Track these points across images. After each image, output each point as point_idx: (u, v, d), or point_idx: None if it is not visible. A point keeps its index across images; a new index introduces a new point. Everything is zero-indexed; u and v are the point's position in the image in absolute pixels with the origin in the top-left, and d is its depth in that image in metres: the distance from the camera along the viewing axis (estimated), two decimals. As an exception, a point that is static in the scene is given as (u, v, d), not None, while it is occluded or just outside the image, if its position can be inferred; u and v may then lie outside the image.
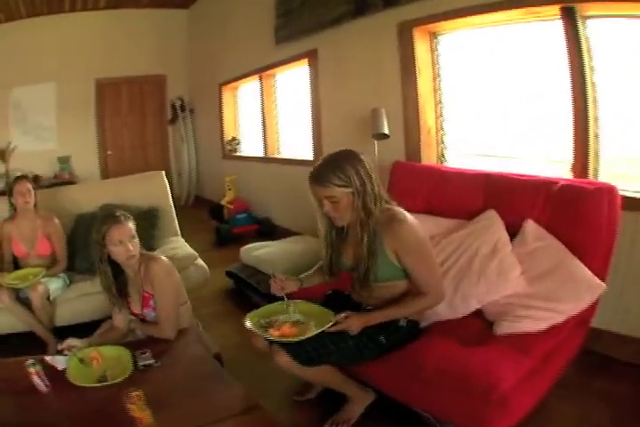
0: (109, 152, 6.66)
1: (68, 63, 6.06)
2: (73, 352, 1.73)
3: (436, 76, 2.85)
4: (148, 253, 1.94)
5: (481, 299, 1.78)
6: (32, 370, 1.57)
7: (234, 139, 5.64)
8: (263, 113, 4.80)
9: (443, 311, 1.79)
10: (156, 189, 3.43)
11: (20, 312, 2.49)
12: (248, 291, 3.28)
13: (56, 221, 2.75)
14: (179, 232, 3.43)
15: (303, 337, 1.50)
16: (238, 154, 5.63)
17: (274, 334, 1.55)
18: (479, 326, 1.76)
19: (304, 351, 1.55)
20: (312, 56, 3.74)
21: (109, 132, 6.62)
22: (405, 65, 2.86)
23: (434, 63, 2.84)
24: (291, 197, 4.21)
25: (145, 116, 6.82)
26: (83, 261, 2.89)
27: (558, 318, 1.64)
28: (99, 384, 1.54)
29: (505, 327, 1.66)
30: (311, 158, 3.90)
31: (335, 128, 3.62)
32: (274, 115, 4.78)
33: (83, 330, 2.08)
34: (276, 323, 1.63)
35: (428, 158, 2.94)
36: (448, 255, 1.96)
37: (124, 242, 1.76)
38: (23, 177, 2.73)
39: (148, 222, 3.14)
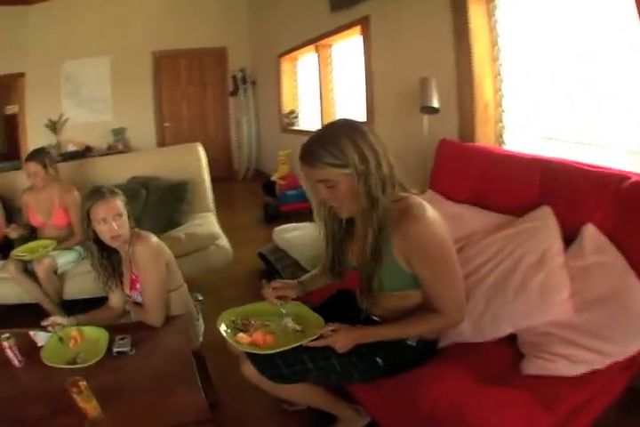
0: (167, 124, 6.92)
1: (124, 36, 6.38)
2: (55, 330, 1.79)
3: (493, 45, 2.63)
4: (140, 231, 1.92)
5: (515, 323, 1.52)
6: (5, 343, 1.64)
7: (292, 112, 5.69)
8: (320, 85, 4.78)
9: (467, 332, 1.56)
10: (190, 162, 3.51)
11: (26, 284, 2.67)
12: (276, 275, 3.24)
13: (75, 193, 2.90)
14: (211, 208, 3.48)
15: (272, 351, 1.36)
16: (296, 128, 5.64)
17: (241, 340, 1.43)
18: (507, 356, 1.52)
19: (273, 366, 1.39)
20: (365, 23, 3.73)
21: (167, 104, 6.90)
22: (458, 29, 2.67)
23: (490, 29, 2.62)
24: None
25: (205, 87, 6.99)
26: None
27: (600, 363, 1.36)
28: (65, 366, 1.57)
29: (535, 367, 1.42)
30: None
31: (387, 101, 3.53)
32: (330, 87, 4.74)
33: (93, 305, 2.15)
34: (253, 326, 1.51)
35: (484, 139, 2.67)
36: (485, 261, 1.70)
37: (108, 220, 1.74)
38: (31, 157, 2.88)
39: (174, 196, 3.27)
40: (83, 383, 1.33)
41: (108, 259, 1.93)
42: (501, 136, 2.70)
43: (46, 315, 2.52)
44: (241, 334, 1.45)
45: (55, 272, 2.73)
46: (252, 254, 3.52)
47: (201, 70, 6.93)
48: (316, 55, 4.82)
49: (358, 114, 4.02)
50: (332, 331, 1.35)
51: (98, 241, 1.83)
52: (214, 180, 3.58)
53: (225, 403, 1.97)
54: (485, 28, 2.61)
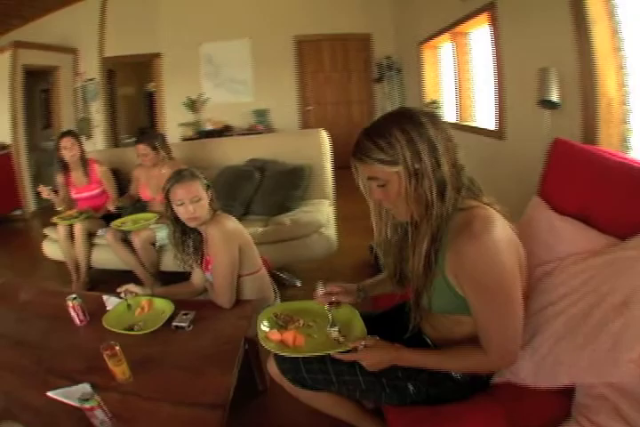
0: (310, 107, 7.27)
1: (264, 20, 6.82)
2: (127, 297, 1.97)
3: (614, 33, 2.36)
4: (219, 214, 2.02)
5: (574, 375, 1.28)
6: (70, 303, 1.87)
7: (433, 102, 5.60)
8: (457, 75, 4.68)
9: (524, 372, 1.35)
10: (311, 148, 3.58)
11: (122, 252, 3.07)
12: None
13: None
14: (329, 195, 3.53)
15: (294, 354, 1.36)
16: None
17: (271, 336, 1.44)
18: (554, 412, 1.29)
19: (296, 370, 1.40)
20: (492, 10, 3.51)
21: (311, 88, 7.24)
22: (575, 13, 2.44)
23: (609, 15, 2.36)
24: (479, 174, 3.90)
25: (350, 73, 7.19)
26: None
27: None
28: (121, 331, 1.75)
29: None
30: (494, 128, 3.66)
31: (514, 92, 3.34)
32: (468, 77, 4.61)
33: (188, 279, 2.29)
34: (293, 324, 1.52)
35: (607, 141, 2.38)
36: (568, 292, 1.35)
37: (185, 203, 1.87)
38: (141, 139, 3.26)
39: (290, 181, 3.36)
40: (117, 348, 1.46)
41: (191, 238, 2.07)
42: (626, 140, 2.38)
43: (140, 283, 2.91)
44: (273, 330, 1.46)
45: (154, 244, 3.04)
46: (365, 246, 3.48)
47: (345, 56, 7.16)
48: (452, 43, 4.75)
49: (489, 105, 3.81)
50: (366, 346, 1.27)
51: (178, 220, 1.98)
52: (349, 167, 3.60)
53: (275, 392, 1.97)
54: (604, 14, 2.37)
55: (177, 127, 7.12)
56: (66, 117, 6.88)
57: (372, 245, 3.34)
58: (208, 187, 1.99)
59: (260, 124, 6.94)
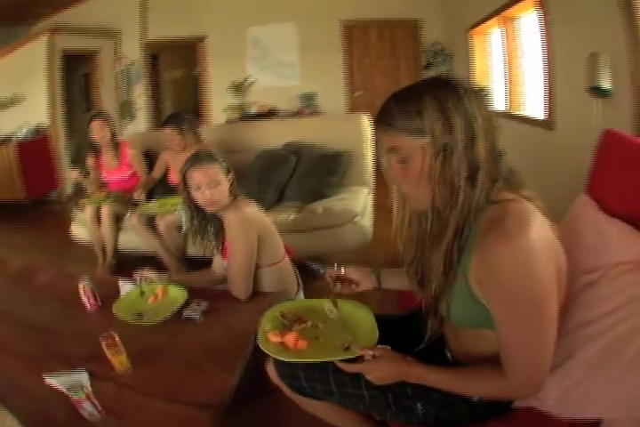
0: (358, 93, 7.18)
1: (311, 3, 6.75)
2: (141, 283, 1.96)
3: None
4: (240, 199, 1.96)
5: (603, 409, 1.14)
6: (81, 286, 1.87)
7: (483, 89, 5.41)
8: (506, 62, 4.58)
9: (550, 399, 1.21)
10: (352, 134, 3.50)
11: (147, 236, 3.12)
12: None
13: None
14: (368, 183, 3.45)
15: (291, 359, 1.27)
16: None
17: (271, 337, 1.35)
18: None
19: (294, 376, 1.32)
20: None
21: (358, 74, 7.17)
22: None
23: None
24: (525, 166, 3.85)
25: (398, 59, 7.09)
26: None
27: None
28: (128, 319, 1.74)
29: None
30: (543, 117, 3.53)
31: (563, 80, 3.21)
32: (517, 64, 4.49)
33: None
34: (299, 325, 1.43)
35: None
36: (612, 309, 1.20)
37: (202, 187, 1.83)
38: (167, 122, 3.27)
39: (326, 167, 3.30)
40: (116, 338, 1.44)
41: (211, 223, 2.02)
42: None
43: (165, 267, 3.06)
44: (275, 331, 1.38)
45: (180, 229, 3.03)
46: None
47: (393, 42, 7.08)
48: (502, 30, 4.61)
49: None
50: (374, 357, 1.15)
51: (196, 205, 1.94)
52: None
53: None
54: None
55: (222, 111, 7.19)
56: (107, 101, 7.05)
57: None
58: (228, 170, 1.93)
59: (307, 109, 6.92)
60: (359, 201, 3.13)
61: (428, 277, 1.14)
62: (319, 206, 3.02)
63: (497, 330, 1.01)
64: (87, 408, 1.24)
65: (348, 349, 1.25)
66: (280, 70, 7.11)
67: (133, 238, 3.30)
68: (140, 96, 7.28)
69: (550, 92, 3.37)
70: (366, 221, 3.06)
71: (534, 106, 4.02)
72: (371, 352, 1.15)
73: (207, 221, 2.01)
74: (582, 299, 1.20)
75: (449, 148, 0.97)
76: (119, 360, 1.43)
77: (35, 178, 5.66)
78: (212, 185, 1.83)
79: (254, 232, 1.90)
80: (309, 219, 2.94)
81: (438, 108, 0.97)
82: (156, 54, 7.85)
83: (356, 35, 7.00)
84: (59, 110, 6.02)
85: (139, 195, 3.37)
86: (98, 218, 3.32)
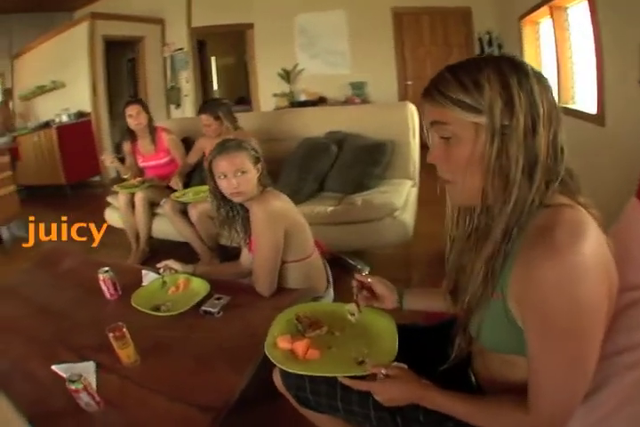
0: (409, 82, 7.08)
1: None
2: (164, 274, 1.97)
3: None
4: (268, 191, 1.92)
5: None
6: (101, 276, 1.89)
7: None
8: (556, 53, 4.46)
9: None
10: (396, 123, 3.41)
11: (179, 224, 3.18)
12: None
13: (254, 143, 3.10)
14: (412, 175, 3.36)
15: (297, 371, 1.20)
16: None
17: (280, 343, 1.29)
18: None
19: (298, 388, 1.27)
20: None
21: (410, 62, 7.12)
22: None
23: None
24: (576, 163, 3.74)
25: (450, 47, 7.01)
26: (285, 188, 3.20)
27: None
28: (145, 310, 1.74)
29: None
30: (594, 112, 3.39)
31: (615, 73, 3.07)
32: (568, 55, 4.38)
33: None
34: (315, 331, 1.36)
35: None
36: None
37: (229, 176, 1.81)
38: (204, 109, 3.30)
39: (370, 157, 3.23)
40: (124, 330, 1.43)
41: (239, 214, 1.99)
42: None
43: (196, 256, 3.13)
44: (286, 336, 1.32)
45: (212, 218, 3.02)
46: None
47: (445, 30, 7.02)
48: (551, 18, 4.47)
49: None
50: (387, 376, 1.07)
51: (223, 195, 1.91)
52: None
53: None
54: None
55: (271, 97, 7.30)
56: (153, 86, 7.27)
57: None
58: (257, 160, 1.90)
59: (357, 97, 6.92)
60: (401, 194, 3.04)
61: (464, 286, 1.02)
62: (358, 198, 2.96)
63: (529, 356, 0.89)
64: (84, 399, 1.23)
65: (361, 363, 1.19)
66: (330, 58, 7.15)
67: (167, 226, 3.34)
68: (187, 82, 7.41)
69: (600, 86, 3.23)
70: (408, 215, 2.96)
71: (586, 100, 3.89)
72: (384, 371, 1.06)
73: (235, 212, 1.98)
74: (623, 321, 1.04)
75: (508, 131, 0.86)
76: (126, 353, 1.43)
77: (75, 163, 5.88)
78: (238, 174, 1.80)
79: (281, 227, 1.85)
80: (348, 211, 2.88)
81: (501, 84, 0.86)
82: (203, 41, 7.95)
83: (407, 22, 6.99)
84: (101, 96, 6.24)
85: (175, 183, 3.41)
86: (132, 204, 3.38)
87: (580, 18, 3.89)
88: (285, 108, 6.80)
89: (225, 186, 1.83)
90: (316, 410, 1.28)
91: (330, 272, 2.18)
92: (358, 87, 7.03)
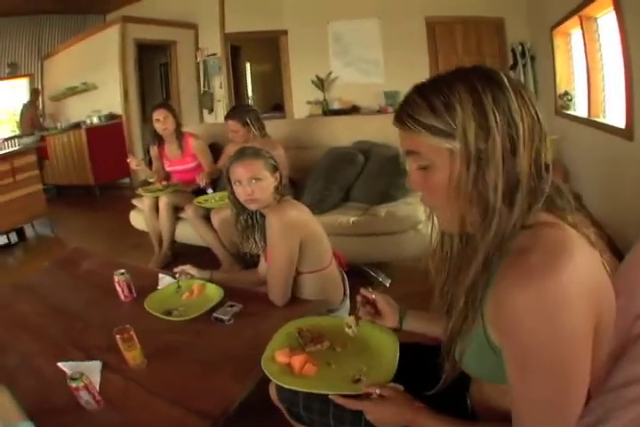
0: None
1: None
2: (180, 279, 2.03)
3: None
4: (285, 200, 1.95)
5: None
6: (116, 278, 1.95)
7: (566, 93, 5.34)
8: (587, 65, 4.44)
9: None
10: None
11: (201, 229, 3.24)
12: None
13: (280, 151, 3.20)
14: None
15: (290, 386, 1.20)
16: (568, 112, 5.25)
17: (278, 357, 1.30)
18: None
19: (292, 403, 1.29)
20: None
21: (443, 72, 7.07)
22: None
23: None
24: (604, 178, 3.84)
25: (483, 57, 7.00)
26: (310, 197, 3.24)
27: None
28: (157, 314, 1.79)
29: None
30: (622, 126, 3.31)
31: None
32: (598, 68, 4.33)
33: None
34: (315, 346, 1.38)
35: None
36: None
37: (244, 183, 1.86)
38: (231, 115, 3.38)
39: (396, 168, 3.22)
40: (131, 332, 1.48)
41: (258, 222, 2.03)
42: None
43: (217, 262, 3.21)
44: (285, 350, 1.32)
45: (234, 224, 3.11)
46: None
47: (478, 40, 7.04)
48: (580, 28, 4.45)
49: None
50: (380, 396, 1.07)
51: (241, 202, 1.96)
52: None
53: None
54: None
55: (305, 105, 7.38)
56: (186, 91, 7.43)
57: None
58: (275, 169, 1.94)
59: (391, 107, 6.91)
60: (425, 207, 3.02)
61: (450, 311, 1.00)
62: (383, 210, 2.97)
63: (510, 389, 0.86)
64: (84, 397, 1.27)
65: (358, 381, 1.20)
66: (364, 67, 7.20)
67: (191, 231, 3.40)
68: (221, 87, 7.53)
69: (629, 99, 3.18)
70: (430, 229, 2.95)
71: (615, 113, 3.82)
72: (378, 391, 1.06)
73: (254, 221, 2.03)
74: (634, 351, 0.98)
75: (485, 156, 0.81)
76: (132, 355, 1.47)
77: (104, 164, 6.05)
78: (252, 181, 1.85)
79: (296, 237, 1.88)
80: (371, 222, 2.89)
81: (474, 102, 0.81)
82: (238, 46, 8.07)
83: (441, 32, 7.03)
84: (132, 98, 6.41)
85: (202, 178, 3.46)
86: (156, 208, 3.46)
87: (609, 29, 3.83)
88: (318, 115, 6.90)
89: (240, 192, 1.87)
90: (309, 426, 1.29)
91: (347, 284, 2.19)
92: (392, 97, 7.04)
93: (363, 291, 1.34)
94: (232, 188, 1.92)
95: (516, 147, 0.81)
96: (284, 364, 1.28)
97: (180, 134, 3.61)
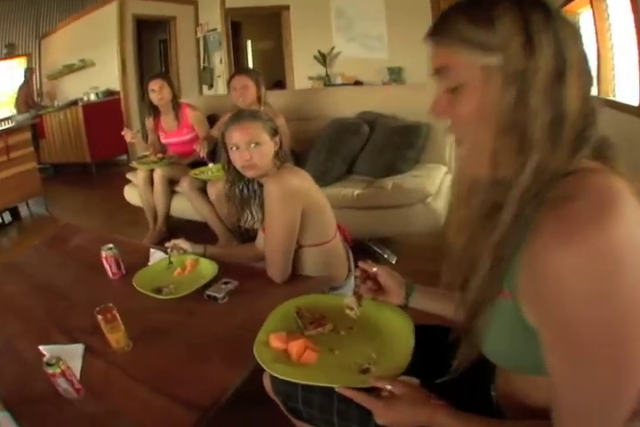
0: None
1: None
2: (171, 254, 1.87)
3: None
4: (286, 167, 1.79)
5: None
6: (104, 253, 1.80)
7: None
8: (596, 44, 4.29)
9: None
10: None
11: (197, 202, 3.10)
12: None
13: (281, 120, 3.03)
14: (448, 161, 3.18)
15: (286, 377, 1.02)
16: None
17: (274, 341, 1.13)
18: None
19: (289, 396, 1.12)
20: None
21: None
22: None
23: None
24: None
25: None
26: (312, 169, 3.08)
27: None
28: (146, 292, 1.64)
29: None
30: (635, 104, 3.20)
31: None
32: (608, 46, 4.20)
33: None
34: (316, 329, 1.20)
35: None
36: None
37: (241, 147, 1.69)
38: (242, 71, 3.30)
39: (403, 139, 3.08)
40: (114, 312, 1.33)
41: (255, 192, 1.87)
42: None
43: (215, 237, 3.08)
44: (281, 333, 1.15)
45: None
46: None
47: None
48: (591, 10, 4.28)
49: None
50: (391, 393, 0.90)
51: (238, 171, 1.79)
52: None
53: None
54: None
55: (306, 80, 7.22)
56: (186, 67, 7.27)
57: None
58: (275, 132, 1.77)
59: (394, 83, 6.78)
60: (434, 180, 2.87)
61: (469, 281, 0.81)
62: (389, 182, 2.80)
63: (550, 374, 0.68)
64: (62, 384, 1.13)
65: (366, 371, 1.02)
66: (367, 42, 7.02)
67: (187, 205, 3.27)
68: (221, 63, 7.36)
69: None
70: (440, 203, 2.79)
71: (626, 92, 3.72)
72: (388, 387, 0.90)
73: (250, 191, 1.87)
74: None
75: (527, 75, 0.66)
76: (115, 337, 1.33)
77: (101, 141, 5.92)
78: (251, 146, 1.68)
79: (297, 206, 1.71)
80: (376, 195, 2.74)
81: (521, 17, 0.67)
82: (239, 22, 7.88)
83: (446, 7, 6.81)
84: (130, 75, 6.27)
85: (202, 149, 3.31)
86: (151, 182, 3.31)
87: (620, 7, 3.67)
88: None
89: (236, 158, 1.71)
90: (308, 423, 1.12)
91: (352, 260, 2.03)
92: (395, 72, 6.88)
93: (362, 264, 1.16)
94: (228, 154, 1.76)
95: (565, 74, 0.66)
96: (280, 350, 1.11)
97: (176, 105, 3.44)
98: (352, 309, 1.15)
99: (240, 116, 1.74)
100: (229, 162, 1.77)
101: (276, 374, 1.02)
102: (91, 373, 1.24)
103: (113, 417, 1.09)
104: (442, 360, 0.94)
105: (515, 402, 0.85)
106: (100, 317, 1.31)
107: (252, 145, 1.68)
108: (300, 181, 1.75)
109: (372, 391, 0.91)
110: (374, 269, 1.15)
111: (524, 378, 0.82)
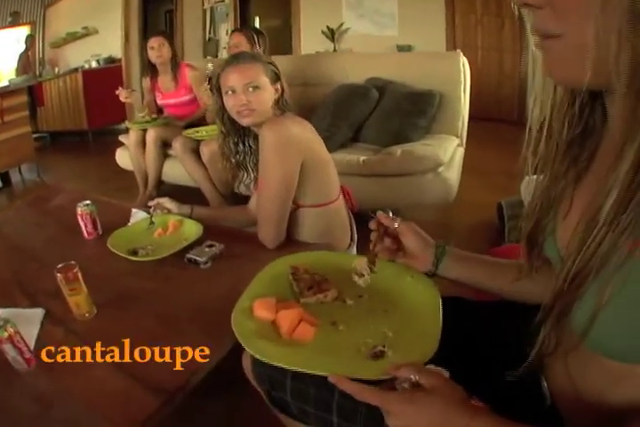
0: (458, 50, 6.67)
1: None
2: (154, 213, 1.67)
3: None
4: (286, 115, 1.55)
5: None
6: (79, 210, 1.59)
7: None
8: None
9: None
10: (446, 73, 3.02)
11: (188, 164, 2.88)
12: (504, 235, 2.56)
13: (283, 84, 2.80)
14: (459, 132, 2.98)
15: (272, 361, 0.74)
16: None
17: (258, 310, 0.85)
18: None
19: (274, 385, 0.87)
20: None
21: (460, 30, 6.76)
22: None
23: None
24: None
25: (502, 18, 6.59)
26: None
27: None
28: (120, 253, 1.45)
29: None
30: None
31: None
32: None
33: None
34: (315, 295, 0.91)
35: None
36: None
37: (237, 91, 1.47)
38: (239, 28, 3.16)
39: (414, 106, 2.87)
40: (75, 270, 1.13)
41: (250, 147, 1.65)
42: None
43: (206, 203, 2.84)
44: (267, 299, 0.87)
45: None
46: (492, 204, 2.83)
47: (498, 0, 6.55)
48: None
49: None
50: (413, 386, 0.63)
51: (233, 120, 1.57)
52: (500, 120, 3.75)
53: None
54: None
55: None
56: (191, 38, 7.07)
57: (501, 202, 2.72)
58: (277, 78, 1.54)
59: None
60: (446, 150, 2.65)
61: (568, 242, 0.57)
62: (398, 149, 2.59)
63: None
64: (10, 353, 0.93)
65: (379, 355, 0.74)
66: (378, 19, 6.82)
67: (180, 169, 3.06)
68: (227, 34, 7.12)
69: None
70: (452, 174, 2.59)
71: None
72: (413, 377, 0.64)
73: (245, 146, 1.64)
74: None
75: None
76: (75, 301, 1.13)
77: (100, 108, 5.70)
78: (249, 89, 1.46)
79: (296, 158, 1.46)
80: (384, 161, 2.52)
81: None
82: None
83: None
84: (133, 42, 6.08)
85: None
86: (143, 144, 3.10)
87: None
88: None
89: (232, 104, 1.48)
90: (298, 420, 0.87)
91: (355, 228, 1.80)
92: (405, 50, 6.67)
93: (381, 215, 0.89)
94: (222, 100, 1.53)
95: None
96: (267, 321, 0.84)
97: (175, 65, 3.18)
98: (362, 275, 0.90)
99: (238, 57, 1.52)
100: (223, 109, 1.54)
101: (258, 356, 0.74)
102: (47, 342, 1.04)
103: (62, 398, 0.89)
104: (473, 346, 0.72)
105: (580, 400, 0.62)
106: (59, 275, 1.11)
107: (250, 89, 1.46)
108: (302, 130, 1.51)
109: (383, 383, 0.65)
110: (397, 225, 0.88)
111: (605, 369, 0.58)
